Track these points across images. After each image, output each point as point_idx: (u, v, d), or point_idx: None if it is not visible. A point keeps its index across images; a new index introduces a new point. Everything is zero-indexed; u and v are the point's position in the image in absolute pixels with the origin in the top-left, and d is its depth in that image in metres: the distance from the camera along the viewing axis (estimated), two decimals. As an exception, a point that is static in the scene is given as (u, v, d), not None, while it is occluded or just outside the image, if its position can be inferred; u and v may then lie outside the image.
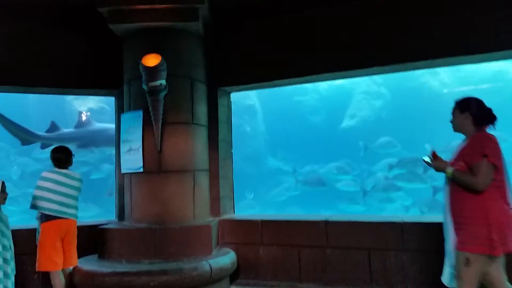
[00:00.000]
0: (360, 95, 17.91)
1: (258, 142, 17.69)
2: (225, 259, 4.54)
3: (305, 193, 15.68)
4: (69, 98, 15.65)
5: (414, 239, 4.29)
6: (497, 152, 2.76)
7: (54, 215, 4.03)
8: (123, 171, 5.07)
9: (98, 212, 13.65)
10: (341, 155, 15.39)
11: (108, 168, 14.41)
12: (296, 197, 15.98)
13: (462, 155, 2.88)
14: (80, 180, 4.29)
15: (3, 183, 3.91)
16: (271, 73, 5.30)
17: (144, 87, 4.61)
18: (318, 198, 15.03)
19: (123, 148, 5.03)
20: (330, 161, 15.46)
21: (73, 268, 4.27)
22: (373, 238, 4.46)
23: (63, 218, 4.07)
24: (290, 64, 5.17)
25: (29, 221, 5.32)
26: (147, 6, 4.73)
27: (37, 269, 4.04)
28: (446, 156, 3.03)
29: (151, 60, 4.48)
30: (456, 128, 3.02)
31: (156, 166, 4.82)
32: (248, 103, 17.30)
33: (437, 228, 3.42)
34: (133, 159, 4.89)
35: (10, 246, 3.77)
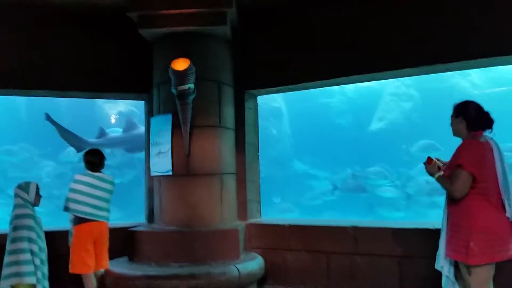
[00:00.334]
0: (388, 96, 17.55)
1: (284, 145, 17.59)
2: (253, 264, 4.51)
3: (342, 199, 15.26)
4: (100, 101, 16.01)
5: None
6: (476, 160, 2.75)
7: (87, 218, 4.10)
8: (152, 173, 5.13)
9: (120, 215, 13.92)
10: (371, 158, 14.95)
11: (130, 172, 14.66)
12: (332, 203, 15.54)
13: (450, 161, 2.94)
14: (112, 183, 4.36)
15: (37, 185, 4.03)
16: (298, 75, 5.25)
17: (173, 91, 4.65)
18: (355, 204, 14.52)
19: (153, 151, 5.09)
20: (359, 165, 15.09)
21: (105, 271, 4.33)
22: (404, 245, 4.33)
23: (96, 220, 4.13)
24: (318, 66, 5.10)
25: (53, 223, 5.47)
26: (176, 11, 4.77)
27: (70, 271, 4.11)
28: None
29: (180, 64, 4.51)
30: (453, 132, 3.04)
31: (184, 169, 4.86)
32: (274, 106, 17.25)
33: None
34: (162, 162, 4.94)
35: (44, 248, 3.87)
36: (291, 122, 18.19)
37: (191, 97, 4.71)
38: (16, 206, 3.85)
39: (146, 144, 5.65)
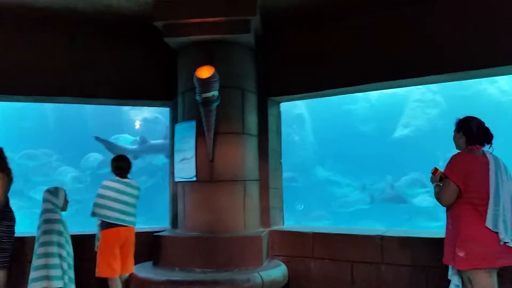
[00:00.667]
0: (413, 103, 17.28)
1: (306, 151, 17.53)
2: (276, 271, 4.49)
3: (376, 208, 14.91)
4: (125, 108, 16.37)
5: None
6: (464, 172, 2.89)
7: (114, 223, 4.17)
8: (176, 179, 5.19)
9: (138, 220, 14.10)
10: (398, 166, 14.60)
11: (148, 180, 14.89)
12: (365, 212, 15.22)
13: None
14: (139, 188, 4.44)
15: (65, 190, 4.14)
16: (321, 82, 5.23)
17: (198, 98, 4.71)
18: (390, 213, 14.10)
19: (177, 157, 5.16)
20: (385, 173, 14.76)
21: (129, 275, 4.40)
22: (431, 255, 4.21)
23: (123, 225, 4.21)
24: (341, 73, 5.08)
25: (73, 227, 5.58)
26: (200, 20, 4.84)
27: (96, 275, 4.19)
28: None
29: (205, 72, 4.57)
30: (455, 146, 3.19)
31: (208, 175, 4.89)
32: (297, 112, 17.24)
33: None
34: (186, 168, 4.99)
35: (71, 253, 3.97)
36: (314, 129, 18.11)
37: (215, 104, 4.76)
38: (45, 211, 3.97)
39: (170, 150, 5.74)
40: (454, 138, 3.19)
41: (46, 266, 3.75)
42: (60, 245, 3.88)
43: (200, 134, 4.92)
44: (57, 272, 3.78)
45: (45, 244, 3.82)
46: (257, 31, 5.14)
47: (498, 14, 4.28)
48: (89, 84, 5.54)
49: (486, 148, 3.08)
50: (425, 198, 13.83)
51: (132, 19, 5.31)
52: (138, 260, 4.63)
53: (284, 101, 5.83)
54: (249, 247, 4.66)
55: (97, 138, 13.63)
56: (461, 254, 2.85)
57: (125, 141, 15.30)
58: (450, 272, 3.12)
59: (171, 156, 5.70)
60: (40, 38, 5.44)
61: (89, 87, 5.55)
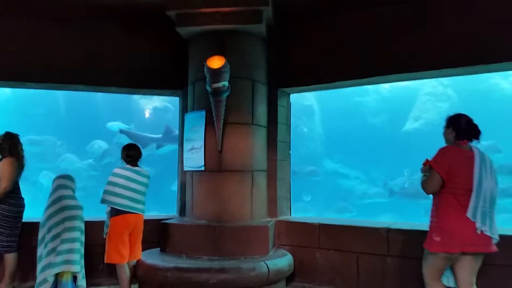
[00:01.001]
0: (424, 96, 17.09)
1: (315, 143, 17.49)
2: (282, 261, 4.54)
3: (392, 201, 14.78)
4: (135, 96, 16.46)
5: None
6: (447, 164, 3.12)
7: (124, 210, 4.23)
8: (185, 168, 5.24)
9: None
10: (408, 159, 14.48)
11: (150, 170, 15.03)
12: (384, 205, 15.09)
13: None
14: (148, 176, 4.49)
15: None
16: (331, 74, 5.21)
17: (208, 88, 4.73)
18: (407, 207, 13.95)
19: (186, 146, 5.20)
20: (395, 166, 14.57)
21: (137, 261, 4.47)
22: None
23: (133, 213, 4.27)
24: (352, 65, 5.05)
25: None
26: (212, 9, 4.85)
27: (105, 261, 4.26)
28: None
29: (216, 62, 4.59)
30: (445, 141, 3.37)
31: (216, 165, 4.94)
32: (306, 104, 17.17)
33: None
34: (195, 158, 5.04)
35: (83, 241, 4.07)
36: (323, 121, 18.04)
37: (225, 95, 4.78)
38: (65, 197, 4.03)
39: (180, 139, 5.78)
40: (444, 133, 3.38)
41: (69, 251, 3.86)
42: (82, 231, 4.00)
43: (209, 124, 4.95)
44: (77, 257, 3.90)
45: (70, 229, 3.91)
46: (269, 21, 5.13)
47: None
48: (101, 73, 5.59)
49: (474, 143, 3.27)
50: None
51: (144, 8, 5.34)
52: (145, 246, 4.71)
53: (294, 93, 5.83)
54: (255, 236, 4.71)
55: (121, 131, 13.85)
56: (437, 238, 3.13)
57: (115, 128, 15.43)
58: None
59: (180, 145, 5.75)
60: (54, 26, 5.49)
61: (101, 75, 5.61)
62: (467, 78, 11.44)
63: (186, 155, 5.21)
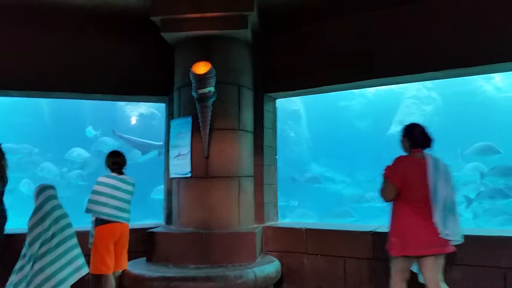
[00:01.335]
0: (409, 100, 17.31)
1: (301, 147, 17.55)
2: (269, 267, 4.52)
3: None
4: (121, 103, 16.29)
5: (465, 252, 4.07)
6: (401, 173, 3.32)
7: (110, 219, 4.16)
8: (171, 175, 5.19)
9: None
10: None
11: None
12: (383, 208, 15.00)
13: None
14: (134, 184, 4.41)
15: None
16: (317, 79, 5.24)
17: (194, 94, 4.71)
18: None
19: (172, 153, 5.16)
20: (380, 170, 14.63)
21: (123, 271, 4.39)
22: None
23: (118, 222, 4.20)
24: (337, 69, 5.09)
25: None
26: (198, 15, 4.83)
27: (90, 272, 4.17)
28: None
29: (201, 67, 4.57)
30: (403, 149, 3.55)
31: (203, 171, 4.90)
32: (293, 108, 17.22)
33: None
34: (181, 164, 4.99)
35: None
36: (309, 125, 18.12)
37: (211, 100, 4.76)
38: (57, 207, 3.97)
39: (166, 146, 5.73)
40: (401, 142, 3.57)
41: (73, 260, 3.86)
42: (75, 236, 3.97)
43: (196, 130, 4.92)
44: (83, 260, 3.94)
45: (70, 237, 3.89)
46: (254, 27, 5.14)
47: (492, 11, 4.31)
48: (85, 80, 5.52)
49: (427, 150, 3.47)
50: None
51: (129, 14, 5.30)
52: (131, 256, 4.63)
53: (281, 98, 5.84)
54: (243, 243, 4.68)
55: (119, 136, 13.55)
56: (396, 242, 3.34)
57: (89, 134, 15.22)
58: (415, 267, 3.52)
59: (166, 152, 5.70)
60: (36, 33, 5.41)
61: (84, 82, 5.53)
62: (450, 81, 11.60)
63: (172, 162, 5.16)
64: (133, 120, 16.45)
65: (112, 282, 4.22)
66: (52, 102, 16.43)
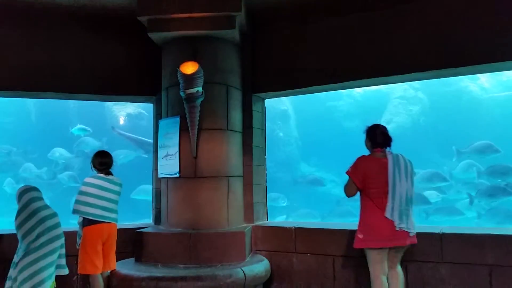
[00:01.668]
0: (396, 100, 17.50)
1: (291, 147, 17.61)
2: (259, 266, 4.53)
3: None
4: (109, 103, 16.16)
5: (452, 250, 4.15)
6: (361, 172, 3.57)
7: (97, 220, 4.13)
8: (160, 175, 5.18)
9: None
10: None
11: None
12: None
13: None
14: (121, 185, 4.39)
15: None
16: (306, 79, 5.27)
17: (182, 94, 4.70)
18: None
19: (161, 153, 5.14)
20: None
21: (111, 272, 4.37)
22: (410, 249, 4.30)
23: (106, 222, 4.17)
24: (326, 69, 5.12)
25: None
26: (185, 15, 4.82)
27: (78, 272, 4.16)
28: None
29: (189, 67, 4.57)
30: (367, 148, 3.78)
31: (191, 171, 4.90)
32: (282, 108, 17.28)
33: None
34: (170, 164, 4.98)
35: None
36: (298, 125, 18.19)
37: (199, 100, 4.76)
38: (43, 207, 3.90)
39: (154, 146, 5.71)
40: (365, 142, 3.80)
41: (60, 256, 3.84)
42: (63, 236, 3.92)
43: (184, 130, 4.91)
44: (64, 261, 3.89)
45: (58, 237, 3.83)
46: (242, 27, 5.15)
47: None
48: (71, 80, 5.47)
49: (388, 149, 3.69)
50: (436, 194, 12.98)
51: (116, 14, 5.27)
52: (120, 256, 4.60)
53: (269, 98, 5.86)
54: (232, 242, 4.69)
55: (119, 133, 13.39)
56: (361, 236, 3.59)
57: (79, 132, 15.06)
58: None
59: (154, 152, 5.68)
60: (22, 32, 5.34)
61: (70, 82, 5.48)
62: (437, 81, 11.74)
63: (160, 162, 5.14)
64: (121, 120, 16.32)
65: (100, 282, 4.20)
66: (38, 101, 16.23)
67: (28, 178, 14.14)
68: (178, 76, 4.66)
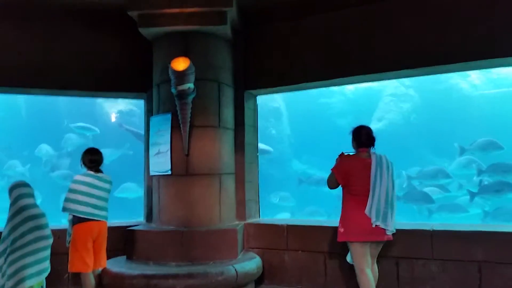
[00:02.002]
0: (387, 97, 17.57)
1: (283, 145, 17.60)
2: (250, 264, 4.52)
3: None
4: (99, 100, 15.99)
5: (442, 246, 4.18)
6: (344, 170, 3.73)
7: (87, 218, 4.09)
8: (151, 173, 5.14)
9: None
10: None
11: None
12: None
13: None
14: (111, 182, 4.34)
15: None
16: (298, 76, 5.26)
17: (173, 90, 4.66)
18: (409, 208, 12.69)
19: (152, 150, 5.10)
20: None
21: (102, 270, 4.33)
22: (403, 247, 4.34)
23: (96, 220, 4.13)
24: (318, 66, 5.12)
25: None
26: (176, 10, 4.78)
27: (69, 270, 4.12)
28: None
29: (180, 64, 4.52)
30: (353, 147, 3.91)
31: (183, 169, 4.86)
32: (274, 106, 17.25)
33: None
34: (161, 162, 4.94)
35: None
36: (290, 122, 18.18)
37: (191, 97, 4.72)
38: (30, 206, 3.82)
39: (145, 143, 5.66)
40: (351, 142, 3.93)
41: (44, 259, 3.69)
42: (52, 238, 3.82)
43: (175, 127, 4.87)
44: (48, 264, 3.74)
45: (42, 238, 3.72)
46: (234, 23, 5.11)
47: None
48: (61, 76, 5.40)
49: (373, 150, 3.83)
50: (437, 190, 12.55)
51: (106, 9, 5.20)
52: (111, 254, 4.57)
53: (261, 94, 5.84)
54: (224, 240, 4.67)
55: (127, 129, 13.35)
56: (341, 230, 3.73)
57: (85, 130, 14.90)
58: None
59: (146, 150, 5.63)
60: (13, 28, 5.27)
61: (61, 79, 5.42)
62: (427, 78, 11.78)
63: (152, 160, 5.10)
64: (113, 117, 16.18)
65: (91, 280, 4.17)
66: (28, 98, 16.02)
67: (13, 176, 13.94)
68: (169, 72, 4.62)
